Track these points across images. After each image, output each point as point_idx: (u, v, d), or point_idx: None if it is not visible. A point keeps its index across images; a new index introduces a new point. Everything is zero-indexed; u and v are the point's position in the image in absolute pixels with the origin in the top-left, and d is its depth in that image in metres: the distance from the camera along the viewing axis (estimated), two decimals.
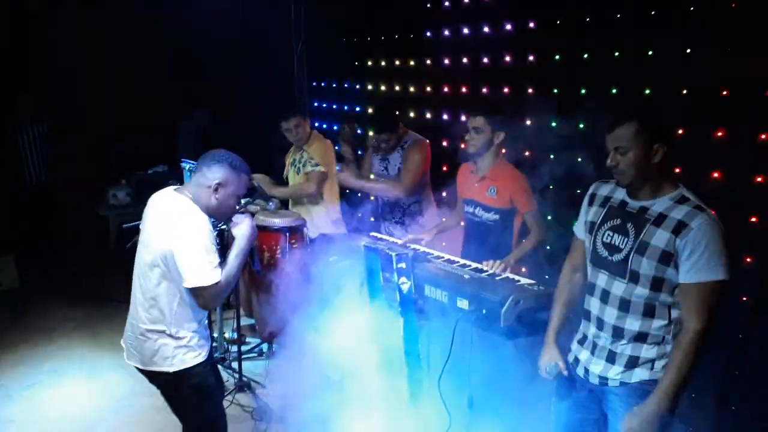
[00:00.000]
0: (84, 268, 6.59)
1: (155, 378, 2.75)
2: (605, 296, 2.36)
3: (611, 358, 2.35)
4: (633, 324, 2.29)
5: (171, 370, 2.66)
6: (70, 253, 6.67)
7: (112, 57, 6.75)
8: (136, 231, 4.50)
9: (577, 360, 2.51)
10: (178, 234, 2.51)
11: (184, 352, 2.66)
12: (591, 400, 2.46)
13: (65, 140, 6.54)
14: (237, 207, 2.72)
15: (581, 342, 2.50)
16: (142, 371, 2.77)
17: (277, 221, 4.19)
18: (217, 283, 2.53)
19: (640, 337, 2.28)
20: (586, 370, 2.44)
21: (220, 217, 2.74)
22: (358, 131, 5.25)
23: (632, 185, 2.32)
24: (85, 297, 5.97)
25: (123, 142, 7.06)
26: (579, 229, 2.57)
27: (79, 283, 6.29)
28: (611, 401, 2.37)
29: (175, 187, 2.71)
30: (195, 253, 2.49)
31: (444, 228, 3.70)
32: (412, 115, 4.98)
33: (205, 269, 2.50)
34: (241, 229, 2.71)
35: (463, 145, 3.53)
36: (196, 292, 2.56)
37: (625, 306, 2.30)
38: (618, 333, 2.32)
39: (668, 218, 2.19)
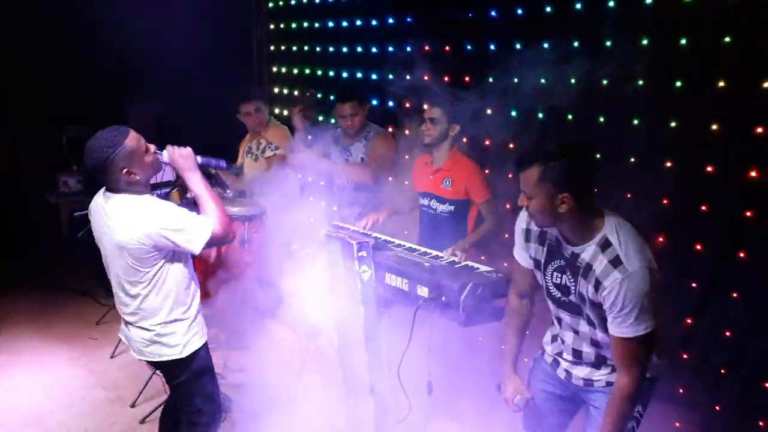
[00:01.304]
0: (34, 258, 6.39)
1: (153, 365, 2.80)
2: (576, 332, 2.35)
3: (597, 364, 2.35)
4: (609, 353, 2.26)
5: (184, 355, 2.69)
6: (20, 242, 6.46)
7: (63, 42, 6.53)
8: (88, 219, 4.43)
9: (556, 362, 2.50)
10: (151, 225, 2.48)
11: (190, 339, 2.71)
12: (565, 392, 2.49)
13: (13, 126, 6.32)
14: (154, 154, 2.61)
15: (562, 349, 2.46)
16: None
17: (235, 210, 4.13)
18: (212, 225, 2.55)
19: None
20: (568, 373, 2.44)
21: (155, 173, 2.67)
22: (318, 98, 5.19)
23: (546, 228, 2.25)
24: (36, 287, 5.80)
25: (74, 126, 6.84)
26: (520, 255, 2.46)
27: (29, 273, 6.10)
28: (596, 399, 2.37)
29: (103, 193, 2.61)
30: (179, 222, 2.50)
31: (397, 211, 3.71)
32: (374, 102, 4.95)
33: (195, 227, 2.52)
34: (171, 156, 2.65)
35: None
36: (211, 245, 2.58)
37: (596, 343, 2.30)
38: (599, 357, 2.33)
39: (591, 270, 2.12)
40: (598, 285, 2.11)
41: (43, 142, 6.77)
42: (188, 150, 2.68)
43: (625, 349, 2.11)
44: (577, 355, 2.39)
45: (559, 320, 2.42)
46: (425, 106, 3.48)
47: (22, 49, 6.49)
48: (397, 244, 3.14)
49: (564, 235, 2.23)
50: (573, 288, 2.25)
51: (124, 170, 2.49)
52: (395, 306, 2.85)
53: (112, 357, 4.57)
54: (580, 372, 2.40)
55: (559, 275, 2.30)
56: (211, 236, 2.55)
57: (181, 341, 2.68)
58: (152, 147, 2.61)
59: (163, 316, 2.65)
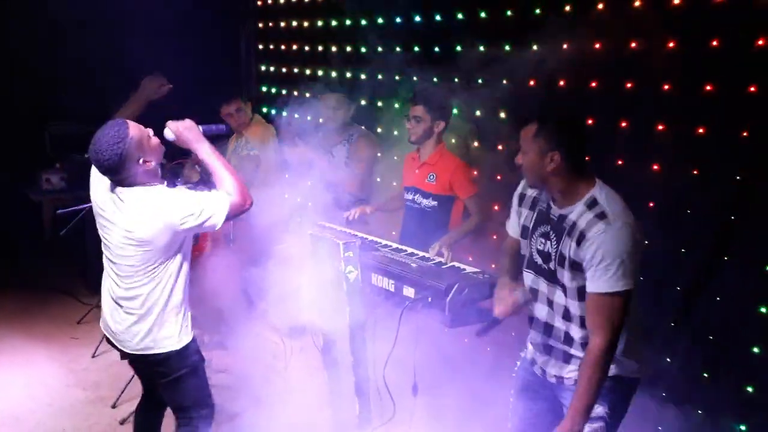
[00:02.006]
0: (16, 256, 6.29)
1: (149, 361, 2.69)
2: (550, 303, 2.35)
3: (566, 358, 2.34)
4: (577, 333, 2.27)
5: (178, 347, 2.64)
6: (1, 240, 6.36)
7: (46, 38, 6.44)
8: (71, 217, 4.37)
9: (534, 361, 2.49)
10: (171, 215, 2.45)
11: (184, 329, 2.67)
12: (545, 391, 2.47)
13: None
14: (155, 137, 2.59)
15: (535, 346, 2.46)
16: (133, 356, 2.72)
17: None
18: (228, 196, 2.50)
19: (586, 345, 2.25)
20: (543, 371, 2.43)
21: (162, 155, 2.64)
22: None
23: (537, 188, 2.34)
24: (17, 285, 5.71)
25: (57, 123, 6.75)
26: (512, 227, 2.51)
27: (10, 271, 6.00)
28: (567, 397, 2.34)
29: (111, 189, 2.55)
30: (196, 206, 2.46)
31: (385, 208, 3.71)
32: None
33: (212, 204, 2.47)
34: (175, 131, 2.60)
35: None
36: (231, 217, 2.53)
37: (567, 315, 2.29)
38: (568, 339, 2.31)
39: (575, 227, 2.16)
40: (581, 238, 2.13)
41: (25, 140, 6.67)
42: (189, 121, 2.63)
43: (600, 307, 2.10)
44: (548, 331, 2.36)
45: (536, 293, 2.40)
46: (409, 104, 3.49)
47: (3, 44, 6.39)
48: (383, 244, 3.13)
49: (553, 197, 2.28)
50: (554, 253, 2.26)
51: (140, 160, 2.47)
52: (381, 306, 2.83)
53: (93, 356, 4.51)
54: (552, 369, 2.39)
55: (543, 241, 2.32)
56: (230, 207, 2.49)
57: (177, 332, 2.65)
58: (150, 130, 2.58)
59: (169, 305, 2.62)
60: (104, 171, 2.47)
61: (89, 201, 4.25)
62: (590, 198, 2.18)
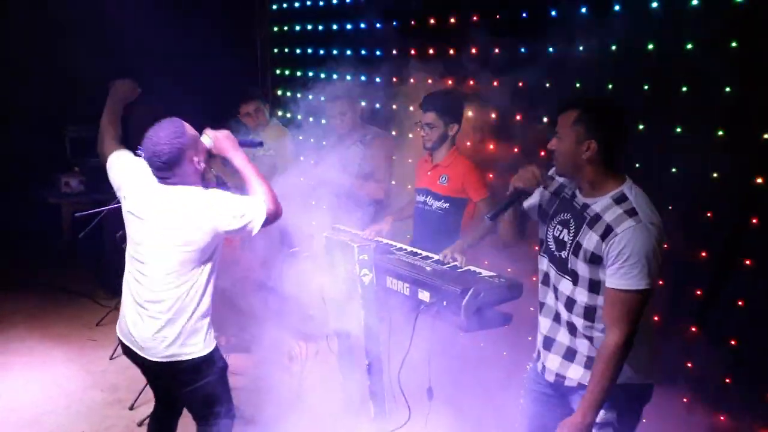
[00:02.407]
0: (35, 259, 6.37)
1: (174, 369, 2.61)
2: (555, 291, 2.34)
3: (569, 355, 2.31)
4: (579, 323, 2.26)
5: (205, 353, 2.59)
6: (20, 243, 6.44)
7: (64, 42, 6.52)
8: (89, 220, 4.42)
9: (538, 356, 2.47)
10: (218, 217, 2.47)
11: (209, 335, 2.63)
12: (552, 396, 2.44)
13: (15, 126, 6.31)
14: (204, 145, 2.61)
15: (541, 338, 2.44)
16: (155, 366, 2.62)
17: None
18: (264, 202, 2.51)
19: (590, 339, 2.25)
20: (544, 367, 2.40)
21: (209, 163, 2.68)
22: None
23: (566, 175, 2.31)
24: (36, 287, 5.77)
25: (76, 126, 6.83)
26: (528, 201, 2.47)
27: (29, 273, 6.08)
28: (574, 400, 2.31)
29: (153, 190, 2.54)
30: (239, 209, 2.47)
31: (401, 217, 3.69)
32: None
33: (253, 209, 2.48)
34: (213, 139, 2.60)
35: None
36: (266, 224, 2.53)
37: (570, 305, 2.27)
38: (572, 329, 2.29)
39: (601, 220, 2.15)
40: (608, 232, 2.11)
41: (45, 143, 6.76)
42: (226, 131, 2.64)
43: (621, 303, 2.09)
44: (556, 318, 2.35)
45: (546, 277, 2.39)
46: (420, 111, 3.46)
47: (24, 50, 6.48)
48: (398, 247, 3.12)
49: (580, 186, 2.27)
50: (570, 242, 2.25)
51: (194, 159, 2.49)
52: (396, 310, 2.82)
53: (111, 358, 4.54)
54: (553, 364, 2.35)
55: (561, 229, 2.31)
56: (266, 215, 2.50)
57: (203, 338, 2.60)
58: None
59: (198, 311, 2.57)
60: (160, 165, 2.45)
61: (107, 204, 4.32)
62: (619, 193, 2.17)
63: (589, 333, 2.25)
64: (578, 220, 2.24)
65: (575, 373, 2.30)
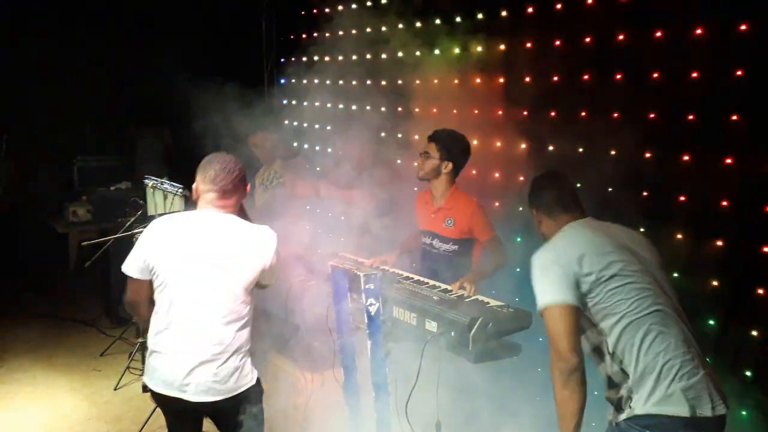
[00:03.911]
0: (41, 287, 6.36)
1: (217, 407, 2.53)
2: None
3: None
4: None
5: (255, 380, 2.58)
6: (27, 272, 6.45)
7: (72, 75, 6.64)
8: (96, 249, 4.42)
9: None
10: (267, 252, 2.53)
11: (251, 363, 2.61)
12: None
13: (24, 157, 6.38)
14: None
15: None
16: (208, 406, 2.51)
17: None
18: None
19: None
20: None
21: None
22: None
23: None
24: (41, 317, 5.76)
25: (83, 157, 6.91)
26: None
27: (35, 303, 6.07)
28: None
29: (210, 210, 2.54)
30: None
31: (407, 249, 3.63)
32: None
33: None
34: None
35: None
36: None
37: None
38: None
39: None
40: None
41: (53, 173, 6.83)
42: None
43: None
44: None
45: None
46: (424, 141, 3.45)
47: (32, 82, 6.59)
48: (405, 276, 3.09)
49: None
50: None
51: (247, 185, 2.62)
52: (403, 341, 2.78)
53: (115, 389, 4.50)
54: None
55: None
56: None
57: (251, 366, 2.59)
58: None
59: (247, 342, 2.57)
60: (233, 184, 2.53)
61: (114, 233, 4.32)
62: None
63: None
64: None
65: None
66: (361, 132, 4.25)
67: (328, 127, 5.44)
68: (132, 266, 2.54)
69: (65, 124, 6.77)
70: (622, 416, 2.19)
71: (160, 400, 2.57)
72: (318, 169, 5.00)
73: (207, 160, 2.56)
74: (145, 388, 2.62)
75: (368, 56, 5.10)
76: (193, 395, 2.46)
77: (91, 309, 5.84)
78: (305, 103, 5.87)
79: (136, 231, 4.05)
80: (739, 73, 2.81)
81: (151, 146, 6.89)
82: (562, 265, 2.22)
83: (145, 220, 4.33)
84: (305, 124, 5.92)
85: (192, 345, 2.46)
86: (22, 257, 6.42)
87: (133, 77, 6.40)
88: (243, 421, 2.58)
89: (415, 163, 3.48)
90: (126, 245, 4.21)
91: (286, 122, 5.86)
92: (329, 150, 5.33)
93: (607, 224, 2.42)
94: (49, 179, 6.81)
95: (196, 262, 2.48)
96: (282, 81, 6.38)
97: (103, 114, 6.76)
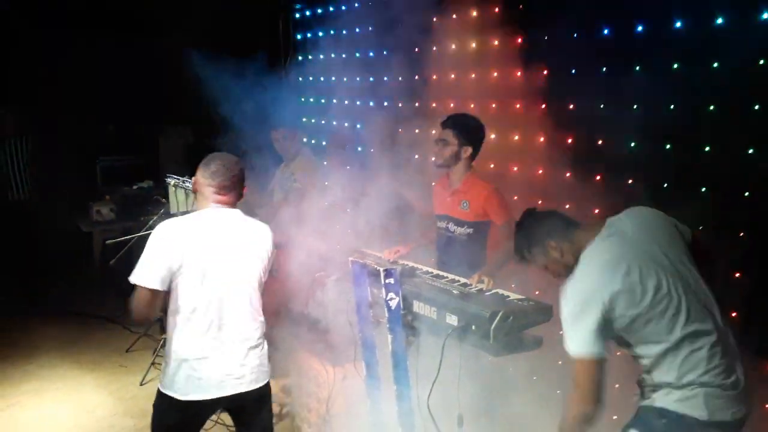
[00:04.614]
0: (67, 286, 6.48)
1: (251, 397, 2.65)
2: None
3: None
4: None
5: (269, 377, 2.74)
6: (53, 270, 6.57)
7: (94, 75, 6.74)
8: (119, 247, 4.49)
9: None
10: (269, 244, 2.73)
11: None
12: None
13: (48, 157, 6.49)
14: None
15: None
16: (234, 399, 2.61)
17: None
18: None
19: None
20: None
21: None
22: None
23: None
24: (67, 315, 5.87)
25: (107, 157, 7.03)
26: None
27: (61, 301, 6.18)
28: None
29: (228, 209, 2.64)
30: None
31: (421, 243, 3.64)
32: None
33: None
34: None
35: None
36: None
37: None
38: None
39: None
40: None
41: (77, 173, 6.95)
42: None
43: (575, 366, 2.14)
44: None
45: None
46: (439, 128, 3.45)
47: (54, 83, 6.70)
48: (424, 270, 3.10)
49: None
50: None
51: (245, 188, 2.73)
52: (424, 334, 2.79)
53: (141, 384, 4.58)
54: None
55: None
56: None
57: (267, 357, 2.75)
58: None
59: (265, 332, 2.72)
60: (231, 181, 2.63)
61: (137, 231, 4.38)
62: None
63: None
64: None
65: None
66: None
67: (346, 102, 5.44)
68: (151, 276, 2.45)
69: (88, 124, 6.88)
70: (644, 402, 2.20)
71: (196, 408, 2.56)
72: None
73: (210, 157, 2.67)
74: (166, 405, 2.58)
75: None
76: (248, 384, 2.61)
77: (115, 306, 5.92)
78: (322, 79, 5.87)
79: None
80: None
81: (173, 145, 6.98)
82: (594, 310, 2.07)
83: (168, 218, 4.38)
84: (323, 100, 5.93)
85: (237, 336, 2.59)
86: (48, 256, 6.54)
87: (154, 76, 6.46)
88: (269, 409, 2.76)
89: (434, 150, 3.45)
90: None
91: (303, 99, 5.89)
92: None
93: (623, 227, 2.22)
94: (72, 179, 6.92)
95: (222, 259, 2.55)
96: (300, 58, 6.38)
97: (126, 114, 6.85)
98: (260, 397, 2.69)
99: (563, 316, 2.13)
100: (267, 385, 2.71)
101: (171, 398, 2.54)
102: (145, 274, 2.45)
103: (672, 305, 2.10)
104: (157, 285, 2.45)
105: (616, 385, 2.75)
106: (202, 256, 2.52)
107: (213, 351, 2.54)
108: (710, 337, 2.12)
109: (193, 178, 2.72)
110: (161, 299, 2.52)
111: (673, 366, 2.12)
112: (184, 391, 2.53)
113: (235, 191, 2.65)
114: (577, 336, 2.09)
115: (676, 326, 2.09)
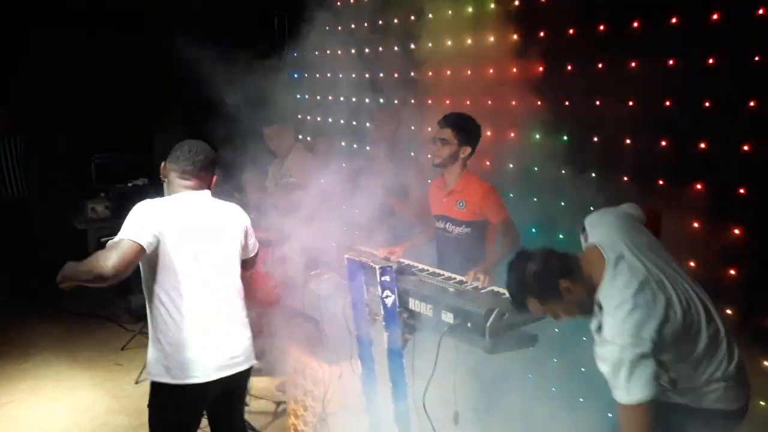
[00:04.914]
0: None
1: (242, 378, 2.74)
2: None
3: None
4: None
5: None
6: (48, 268, 6.54)
7: (89, 72, 6.72)
8: None
9: None
10: (244, 221, 2.78)
11: None
12: None
13: (43, 155, 6.47)
14: None
15: None
16: (229, 380, 2.63)
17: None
18: None
19: None
20: None
21: None
22: None
23: (586, 314, 2.27)
24: (63, 313, 5.85)
25: (102, 155, 7.00)
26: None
27: (56, 299, 6.15)
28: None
29: (197, 191, 2.67)
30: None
31: (415, 244, 3.62)
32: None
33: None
34: None
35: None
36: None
37: None
38: None
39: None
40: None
41: (72, 170, 6.92)
42: None
43: (619, 413, 2.04)
44: None
45: None
46: (436, 127, 3.43)
47: (50, 80, 6.68)
48: (420, 268, 3.10)
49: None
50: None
51: (213, 175, 2.75)
52: (419, 332, 2.79)
53: (136, 383, 4.57)
54: None
55: None
56: None
57: None
58: None
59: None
60: (200, 166, 2.64)
61: None
62: (598, 300, 2.12)
63: None
64: None
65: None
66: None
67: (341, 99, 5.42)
68: (140, 235, 2.38)
69: (83, 121, 6.85)
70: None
71: (198, 391, 2.53)
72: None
73: (178, 144, 2.70)
74: (164, 395, 2.54)
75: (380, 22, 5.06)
76: (242, 364, 2.65)
77: (110, 304, 5.92)
78: (317, 75, 5.85)
79: None
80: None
81: (168, 143, 6.94)
82: (648, 350, 1.97)
83: None
84: (318, 97, 5.91)
85: (230, 317, 2.64)
86: (42, 253, 6.51)
87: (150, 74, 6.43)
88: (239, 401, 2.84)
89: (433, 149, 3.42)
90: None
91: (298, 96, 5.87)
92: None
93: (618, 248, 2.15)
94: (67, 177, 6.89)
95: (208, 241, 2.60)
96: (295, 54, 6.34)
97: (121, 111, 6.82)
98: (247, 379, 2.77)
99: (611, 365, 1.99)
100: (251, 367, 2.76)
101: (169, 386, 2.49)
102: (133, 233, 2.39)
103: (694, 312, 2.09)
104: (144, 243, 2.38)
105: (582, 369, 2.74)
106: (189, 237, 2.53)
107: (210, 333, 2.55)
108: (722, 329, 2.14)
109: (161, 164, 2.73)
110: (136, 264, 2.42)
111: (699, 371, 2.12)
112: (182, 376, 2.49)
113: (200, 177, 2.65)
114: (635, 382, 1.96)
115: (701, 332, 2.09)
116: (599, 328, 2.07)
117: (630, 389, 1.97)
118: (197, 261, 2.54)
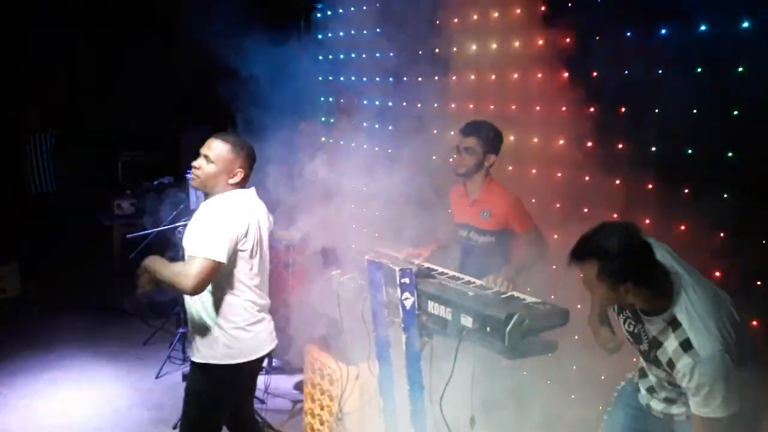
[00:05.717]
0: (87, 278, 6.58)
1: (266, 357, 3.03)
2: (650, 369, 2.38)
3: (670, 400, 2.34)
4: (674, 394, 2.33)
5: None
6: (74, 263, 6.68)
7: (117, 72, 6.84)
8: (139, 241, 4.55)
9: (638, 389, 2.50)
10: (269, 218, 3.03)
11: None
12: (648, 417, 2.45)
13: (71, 151, 6.59)
14: None
15: (641, 381, 2.48)
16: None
17: (278, 235, 4.16)
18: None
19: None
20: (648, 405, 2.44)
21: None
22: None
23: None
24: (87, 307, 5.96)
25: (128, 153, 7.12)
26: None
27: (81, 293, 6.28)
28: (682, 428, 2.32)
29: (249, 195, 2.89)
30: None
31: (441, 247, 3.60)
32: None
33: None
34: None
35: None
36: None
37: (671, 383, 2.29)
38: (674, 395, 2.33)
39: (663, 347, 2.17)
40: (671, 365, 2.13)
41: (99, 168, 7.05)
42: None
43: (702, 428, 2.07)
44: (652, 390, 2.41)
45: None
46: (459, 136, 3.38)
47: (78, 80, 6.81)
48: (440, 272, 3.09)
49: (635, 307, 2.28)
50: (644, 337, 2.27)
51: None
52: (438, 335, 2.79)
53: (156, 377, 4.63)
54: (657, 406, 2.39)
55: (632, 323, 2.34)
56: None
57: None
58: None
59: None
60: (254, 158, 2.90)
61: (157, 226, 4.44)
62: (671, 316, 2.13)
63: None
64: (644, 330, 2.27)
65: (681, 410, 2.31)
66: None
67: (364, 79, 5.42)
68: (221, 250, 2.62)
69: (111, 120, 6.98)
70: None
71: (254, 367, 2.92)
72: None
73: (240, 141, 2.87)
74: (224, 374, 2.77)
75: None
76: (275, 341, 2.97)
77: (134, 300, 6.00)
78: (341, 79, 5.86)
79: (178, 224, 4.16)
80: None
81: (193, 141, 7.03)
82: (732, 356, 2.02)
83: (188, 213, 4.44)
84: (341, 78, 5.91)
85: (268, 299, 2.96)
86: (70, 249, 6.65)
87: (177, 74, 6.53)
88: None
89: (457, 159, 3.37)
90: (168, 238, 4.34)
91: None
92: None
93: (688, 282, 2.17)
94: (94, 174, 7.02)
95: (263, 232, 2.90)
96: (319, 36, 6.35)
97: (147, 110, 6.93)
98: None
99: (714, 379, 2.00)
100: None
101: (229, 366, 2.75)
102: (212, 251, 2.60)
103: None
104: (224, 259, 2.63)
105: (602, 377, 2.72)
106: (257, 231, 2.83)
107: (265, 313, 2.91)
108: None
109: (221, 157, 2.79)
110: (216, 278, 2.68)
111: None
112: (246, 354, 2.79)
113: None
114: (734, 393, 2.00)
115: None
116: (678, 355, 2.08)
117: (729, 399, 1.99)
118: (261, 252, 2.86)
